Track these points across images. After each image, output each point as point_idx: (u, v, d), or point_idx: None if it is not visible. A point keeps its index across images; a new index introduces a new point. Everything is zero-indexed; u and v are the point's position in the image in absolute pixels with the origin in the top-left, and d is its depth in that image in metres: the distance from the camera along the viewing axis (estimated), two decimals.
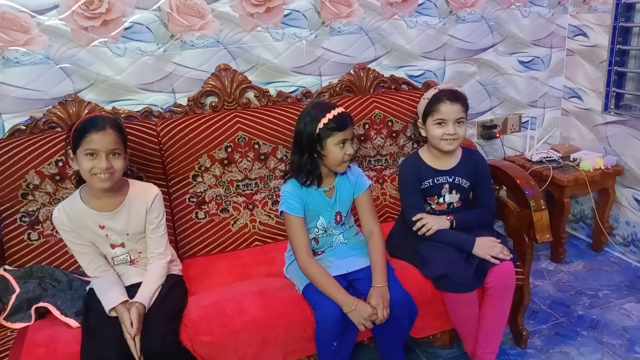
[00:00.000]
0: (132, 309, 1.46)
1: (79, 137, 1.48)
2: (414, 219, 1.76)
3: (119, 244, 1.62)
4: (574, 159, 2.53)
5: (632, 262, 2.49)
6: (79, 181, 1.60)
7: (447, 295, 1.65)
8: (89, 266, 1.58)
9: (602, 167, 2.42)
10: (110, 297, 1.50)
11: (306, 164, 1.63)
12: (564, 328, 2.06)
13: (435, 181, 1.80)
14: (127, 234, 1.61)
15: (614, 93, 2.48)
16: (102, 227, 1.57)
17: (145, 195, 1.62)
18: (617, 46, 2.41)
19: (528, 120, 2.70)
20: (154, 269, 1.62)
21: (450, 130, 1.70)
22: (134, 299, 1.50)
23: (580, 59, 2.61)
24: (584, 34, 2.56)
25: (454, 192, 1.81)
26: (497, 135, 2.63)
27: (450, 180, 1.80)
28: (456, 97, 1.71)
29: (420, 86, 2.34)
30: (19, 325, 1.55)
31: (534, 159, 2.55)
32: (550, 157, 2.55)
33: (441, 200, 1.82)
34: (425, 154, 1.83)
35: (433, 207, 1.83)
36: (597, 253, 2.61)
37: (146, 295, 1.53)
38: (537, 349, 1.94)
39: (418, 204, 1.81)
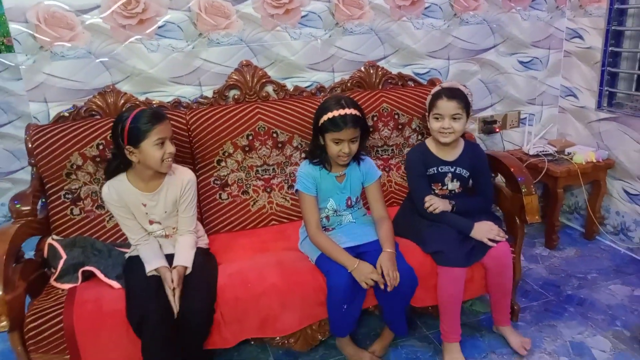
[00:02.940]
0: (174, 270, 1.68)
1: (145, 130, 1.66)
2: (426, 199, 1.95)
3: (156, 221, 1.82)
4: (568, 152, 2.71)
5: (620, 249, 2.67)
6: (114, 172, 1.78)
7: (440, 268, 1.85)
8: (133, 236, 1.79)
9: (594, 161, 2.61)
10: (154, 261, 1.72)
11: (317, 147, 1.84)
12: (553, 305, 2.24)
13: (440, 170, 1.99)
14: (165, 212, 1.81)
15: (607, 92, 2.66)
16: (145, 205, 1.78)
17: (181, 179, 1.82)
18: (610, 48, 2.59)
19: (527, 117, 2.88)
20: (186, 239, 1.83)
21: (445, 124, 1.89)
22: (175, 263, 1.72)
23: (576, 59, 2.79)
24: (580, 37, 2.74)
25: (455, 180, 2.00)
26: (497, 130, 2.82)
27: (453, 170, 1.99)
28: (453, 94, 1.89)
29: (425, 83, 2.53)
30: (67, 286, 1.76)
31: (531, 152, 2.73)
32: (546, 151, 2.73)
33: (444, 187, 2.01)
34: (431, 144, 2.02)
35: (436, 192, 2.02)
36: (589, 241, 2.79)
37: (186, 258, 1.75)
38: (527, 322, 2.13)
39: (425, 186, 1.99)
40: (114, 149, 1.78)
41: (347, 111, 1.76)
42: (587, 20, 2.68)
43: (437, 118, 1.92)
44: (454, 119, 1.89)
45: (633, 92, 2.60)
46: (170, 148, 1.71)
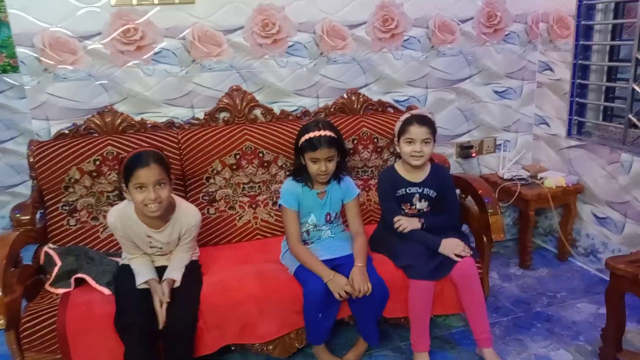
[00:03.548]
0: (164, 283, 1.79)
1: (128, 173, 1.74)
2: (395, 219, 2.10)
3: (157, 247, 1.93)
4: (540, 177, 2.86)
5: (590, 270, 2.80)
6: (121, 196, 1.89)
7: (410, 282, 1.97)
8: (129, 255, 1.91)
9: (564, 185, 2.76)
10: (144, 274, 1.82)
11: (300, 167, 2.00)
12: (522, 321, 2.36)
13: (408, 191, 2.14)
14: (168, 243, 1.92)
15: (576, 121, 2.84)
16: (149, 237, 1.88)
17: (187, 219, 1.90)
18: (577, 81, 2.77)
19: (502, 143, 3.04)
20: (179, 256, 1.93)
21: (417, 148, 2.04)
22: (165, 276, 1.83)
23: (548, 90, 2.97)
24: (551, 69, 2.93)
25: (423, 200, 2.14)
26: (473, 155, 2.98)
27: (420, 190, 2.14)
28: (424, 121, 2.05)
29: (404, 109, 2.70)
30: (61, 291, 1.88)
31: (506, 176, 2.89)
32: (520, 176, 2.88)
33: (413, 207, 2.15)
34: (399, 168, 2.17)
35: (406, 211, 2.16)
36: (562, 262, 2.92)
37: (177, 273, 1.85)
38: (496, 336, 2.23)
39: (395, 207, 2.14)
40: None
41: (322, 133, 1.93)
42: (557, 55, 2.87)
43: (409, 142, 2.07)
44: (425, 143, 2.05)
45: (600, 122, 2.78)
46: (150, 194, 1.72)
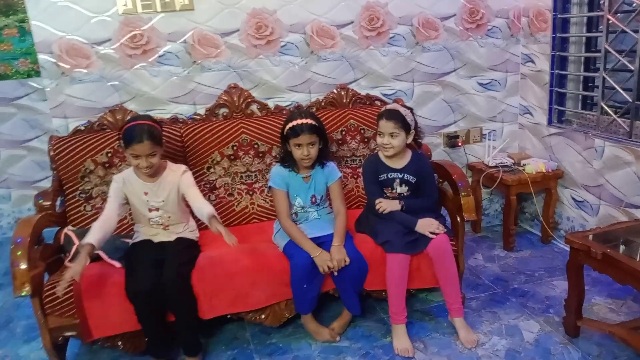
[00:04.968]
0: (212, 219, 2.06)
1: (126, 143, 2.08)
2: (376, 201, 2.31)
3: (155, 209, 2.20)
4: (523, 164, 3.03)
5: None
6: None
7: (387, 256, 2.18)
8: (105, 211, 2.14)
9: (543, 171, 2.93)
10: (91, 236, 1.99)
11: (286, 154, 2.23)
12: (498, 296, 2.55)
13: (389, 176, 2.34)
14: (163, 201, 2.18)
15: (556, 110, 3.00)
16: (146, 194, 2.17)
17: (176, 172, 2.22)
18: (556, 71, 2.93)
19: (488, 133, 3.21)
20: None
21: (385, 141, 2.25)
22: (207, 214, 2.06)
23: (530, 81, 3.14)
24: (532, 61, 3.09)
25: (403, 185, 2.35)
26: (460, 144, 3.16)
27: (401, 176, 2.34)
28: (391, 115, 2.24)
29: (391, 102, 2.90)
30: None
31: (491, 164, 3.07)
32: (504, 163, 3.06)
33: (394, 190, 2.36)
34: (382, 155, 2.38)
35: (387, 195, 2.37)
36: (545, 245, 3.09)
37: (209, 207, 2.13)
38: (472, 309, 2.43)
39: (377, 190, 2.35)
40: None
41: (304, 120, 2.17)
42: (537, 47, 3.03)
43: (380, 135, 2.28)
44: (392, 136, 2.25)
45: (579, 110, 2.93)
46: (143, 163, 2.08)
